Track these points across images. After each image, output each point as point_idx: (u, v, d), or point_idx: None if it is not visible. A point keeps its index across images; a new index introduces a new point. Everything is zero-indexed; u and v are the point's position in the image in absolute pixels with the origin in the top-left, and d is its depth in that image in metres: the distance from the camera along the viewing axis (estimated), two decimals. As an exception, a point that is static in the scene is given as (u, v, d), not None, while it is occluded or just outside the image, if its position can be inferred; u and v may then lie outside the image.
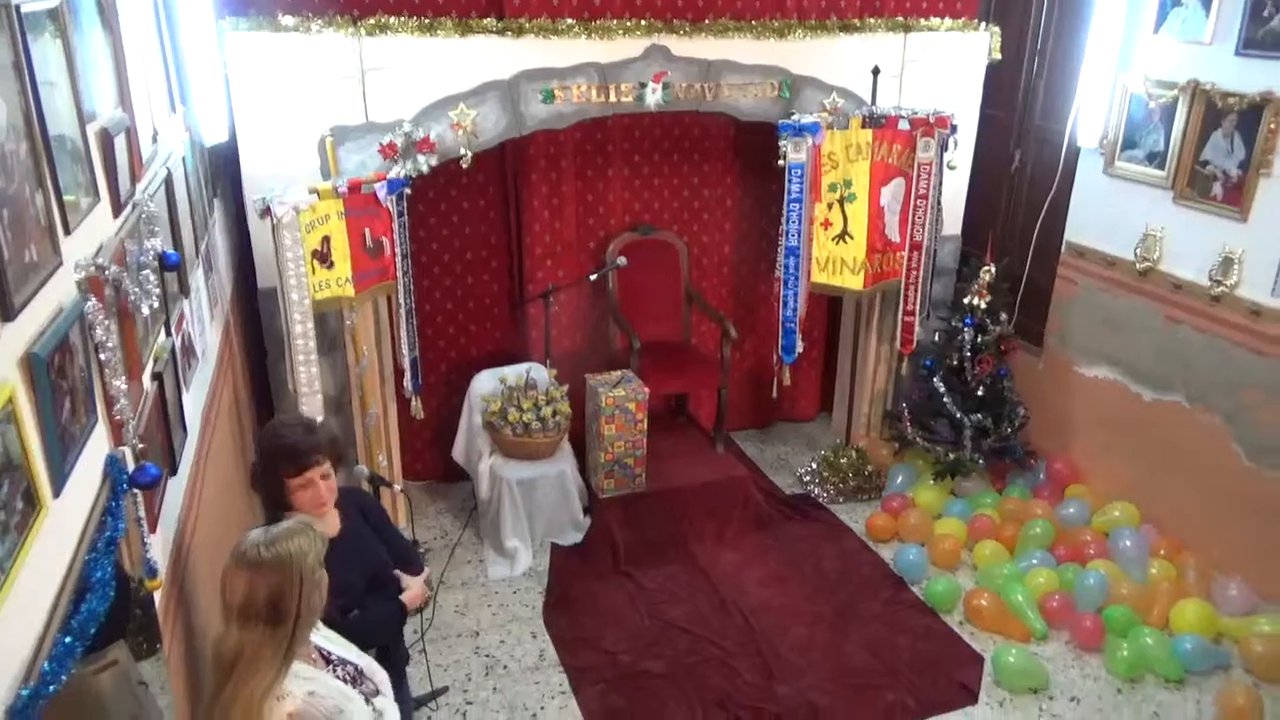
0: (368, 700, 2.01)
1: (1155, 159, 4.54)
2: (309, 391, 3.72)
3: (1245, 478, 4.20)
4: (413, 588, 2.72)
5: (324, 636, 2.11)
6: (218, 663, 1.85)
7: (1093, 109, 4.77)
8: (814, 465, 5.32)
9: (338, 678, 1.98)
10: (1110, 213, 4.79)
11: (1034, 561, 4.39)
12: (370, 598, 2.61)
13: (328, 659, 2.04)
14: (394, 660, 2.78)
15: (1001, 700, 3.75)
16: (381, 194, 3.91)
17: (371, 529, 2.72)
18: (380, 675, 2.18)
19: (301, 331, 3.67)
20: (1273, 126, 3.98)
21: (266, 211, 3.56)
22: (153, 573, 2.02)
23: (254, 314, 4.22)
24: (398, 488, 3.65)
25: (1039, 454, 5.17)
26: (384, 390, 4.30)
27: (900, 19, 4.84)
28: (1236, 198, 4.17)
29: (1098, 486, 4.93)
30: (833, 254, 4.76)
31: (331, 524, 2.56)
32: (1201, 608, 4.05)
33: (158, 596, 2.08)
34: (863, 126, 4.59)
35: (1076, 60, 4.86)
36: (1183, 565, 4.34)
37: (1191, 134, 4.34)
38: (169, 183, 2.77)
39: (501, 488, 4.49)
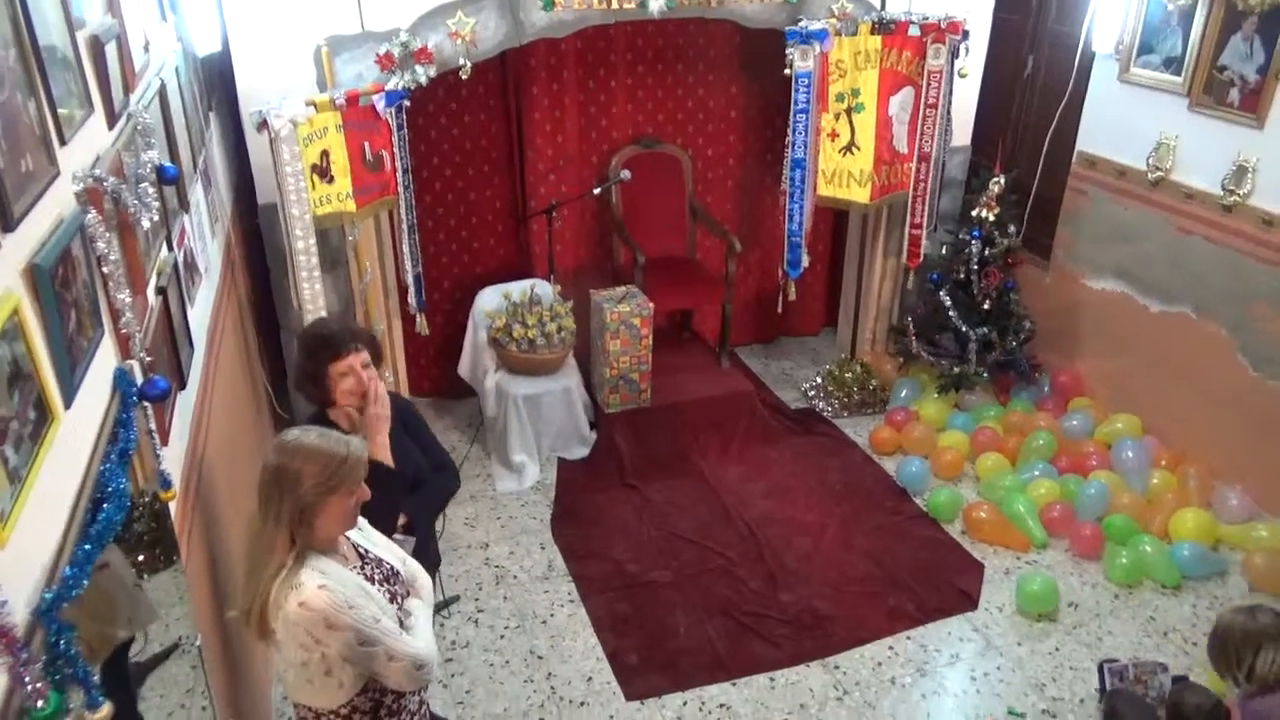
0: (394, 599, 2.06)
1: (1172, 64, 4.42)
2: (313, 308, 3.70)
3: (1250, 388, 4.21)
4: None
5: (364, 536, 2.15)
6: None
7: (1109, 12, 4.63)
8: (819, 380, 5.34)
9: (365, 575, 2.02)
10: (1124, 120, 4.69)
11: (1036, 473, 4.44)
12: (410, 499, 2.68)
13: (363, 557, 2.08)
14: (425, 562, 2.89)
15: (1001, 605, 3.84)
16: (380, 106, 3.83)
17: (411, 438, 2.76)
18: (421, 580, 2.23)
19: (304, 248, 3.64)
20: (1295, 28, 3.87)
21: (263, 125, 3.49)
22: (167, 484, 2.04)
23: (255, 230, 4.18)
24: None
25: (1044, 367, 5.18)
26: (388, 306, 4.29)
27: (913, -82, 4.66)
28: (1254, 104, 4.08)
29: (1102, 398, 4.95)
30: (839, 166, 4.67)
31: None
32: (1200, 516, 4.10)
33: (173, 508, 2.11)
34: (872, 33, 4.46)
35: (1094, -40, 4.70)
36: (1184, 475, 4.38)
37: (1210, 37, 4.21)
38: (163, 94, 2.72)
39: (508, 403, 4.52)
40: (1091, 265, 4.98)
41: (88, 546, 1.49)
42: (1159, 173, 4.53)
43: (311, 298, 3.73)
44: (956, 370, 4.94)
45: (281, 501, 1.86)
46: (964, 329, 4.86)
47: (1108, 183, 4.83)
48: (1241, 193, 4.16)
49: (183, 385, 2.49)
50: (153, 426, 2.00)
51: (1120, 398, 4.85)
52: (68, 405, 1.59)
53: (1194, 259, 4.42)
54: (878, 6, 4.60)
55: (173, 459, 2.24)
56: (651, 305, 4.60)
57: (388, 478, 2.49)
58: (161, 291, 2.35)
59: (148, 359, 2.02)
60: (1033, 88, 5.26)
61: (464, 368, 4.83)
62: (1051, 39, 5.10)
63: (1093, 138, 4.89)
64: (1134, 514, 4.15)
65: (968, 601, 3.85)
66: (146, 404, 1.94)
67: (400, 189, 4.01)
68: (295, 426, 1.99)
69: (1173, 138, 4.46)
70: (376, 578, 2.05)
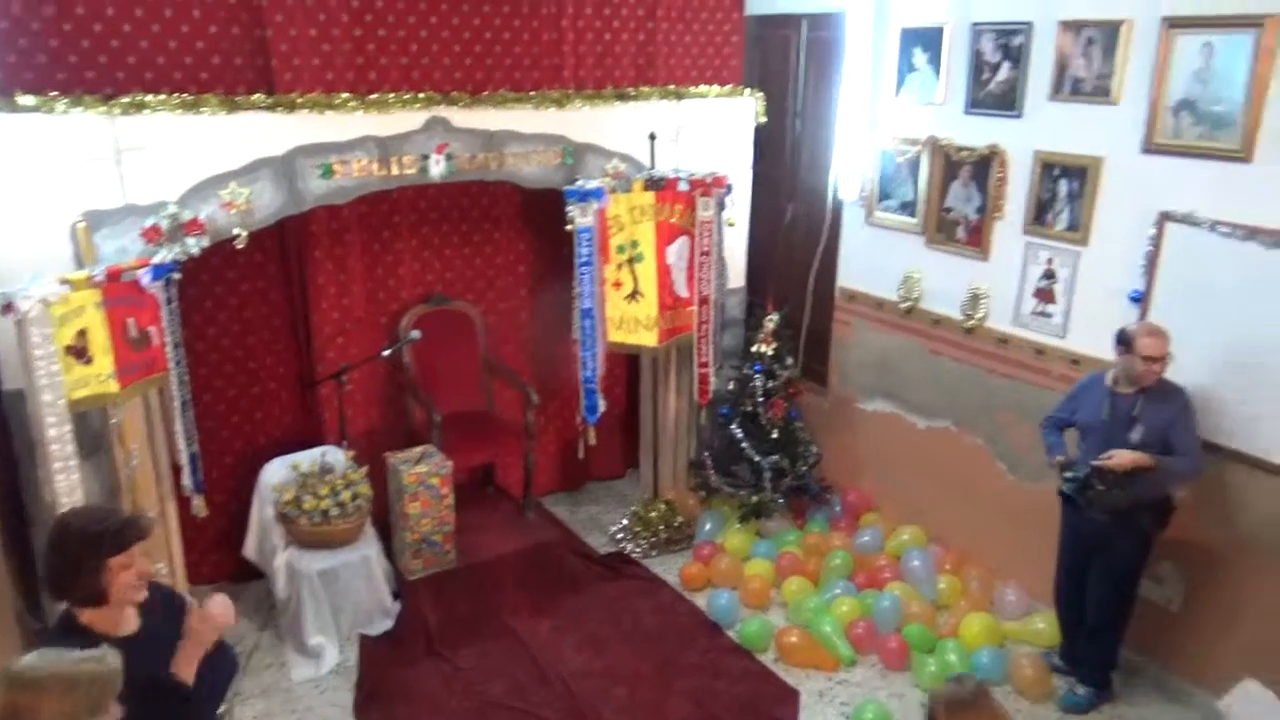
0: None
1: (907, 208, 4.99)
2: (69, 500, 3.38)
3: (1009, 491, 4.62)
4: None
5: None
6: None
7: (850, 165, 5.20)
8: (625, 521, 5.36)
9: None
10: (874, 258, 5.20)
11: (837, 592, 4.60)
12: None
13: None
14: None
15: (818, 732, 3.89)
16: (145, 281, 3.66)
17: (175, 627, 2.50)
18: None
19: (57, 435, 3.35)
20: (1000, 175, 4.48)
21: (9, 307, 3.25)
22: None
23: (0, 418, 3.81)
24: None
25: (834, 488, 5.46)
26: (161, 490, 3.97)
27: (672, 87, 5.10)
28: (977, 240, 4.64)
29: (888, 512, 5.26)
30: (626, 313, 4.87)
31: (128, 621, 2.38)
32: (985, 619, 4.36)
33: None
34: (645, 189, 4.75)
35: (832, 121, 5.28)
36: (967, 577, 4.69)
37: (935, 184, 4.81)
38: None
39: (300, 581, 4.23)
40: (862, 389, 5.38)
41: None
42: (909, 302, 5.01)
43: (68, 489, 3.41)
44: (755, 499, 5.12)
45: None
46: (757, 459, 5.08)
47: (868, 313, 5.29)
48: (978, 316, 4.67)
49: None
50: None
51: (904, 510, 5.17)
52: None
53: (947, 377, 4.88)
54: (648, 165, 4.93)
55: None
56: (450, 463, 4.52)
57: (176, 696, 2.30)
58: None
59: None
60: (794, 232, 5.76)
61: (250, 548, 4.51)
62: (805, 189, 5.64)
63: (850, 274, 5.39)
64: (926, 621, 4.36)
65: (786, 731, 3.87)
66: None
67: (171, 364, 3.81)
68: (30, 654, 1.78)
69: (917, 271, 4.98)
70: None
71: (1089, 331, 4.17)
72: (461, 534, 4.62)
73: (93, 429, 3.72)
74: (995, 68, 4.44)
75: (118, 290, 3.58)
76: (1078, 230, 4.20)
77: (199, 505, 4.05)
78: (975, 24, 4.47)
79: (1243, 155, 3.56)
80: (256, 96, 4.02)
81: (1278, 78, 3.43)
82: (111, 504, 3.78)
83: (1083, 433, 3.84)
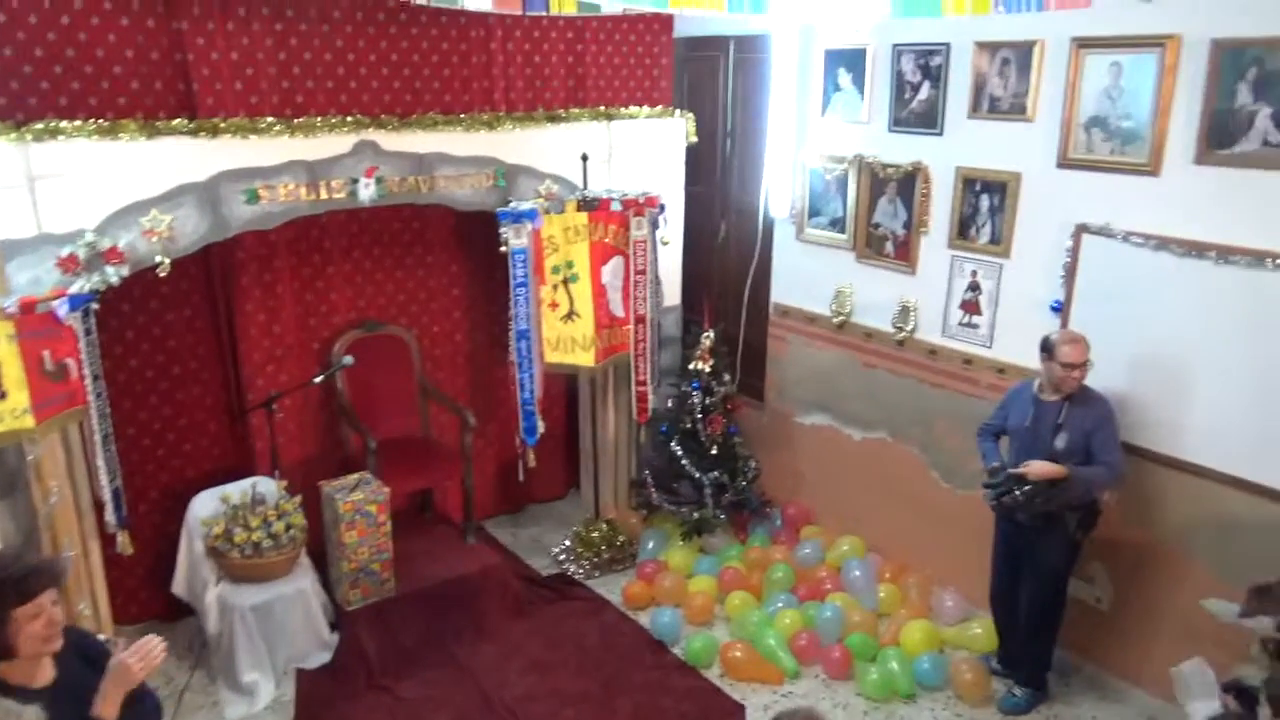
0: None
1: (837, 224, 5.08)
2: (-17, 543, 3.25)
3: (944, 499, 4.71)
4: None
5: None
6: None
7: (780, 183, 5.29)
8: (567, 543, 5.33)
9: None
10: (806, 274, 5.29)
11: (779, 605, 4.64)
12: None
13: None
14: None
15: (765, 746, 3.90)
16: (62, 312, 3.53)
17: (95, 673, 2.41)
18: None
19: (-31, 475, 3.21)
20: (924, 191, 4.60)
21: (-86, 343, 3.12)
22: None
23: (-92, 460, 3.64)
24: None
25: (774, 501, 5.51)
26: (83, 528, 3.82)
27: (602, 108, 5.13)
28: (905, 254, 4.75)
29: (828, 524, 5.33)
30: (562, 333, 4.86)
31: (43, 671, 2.30)
32: (925, 626, 4.43)
33: None
34: (578, 210, 4.76)
35: (762, 140, 5.37)
36: (906, 585, 4.76)
37: (862, 201, 4.91)
38: None
39: (233, 617, 4.11)
40: (799, 403, 5.45)
41: None
42: (841, 316, 5.10)
43: (-19, 531, 3.27)
44: (696, 515, 5.14)
45: None
46: (697, 475, 5.11)
47: (801, 328, 5.37)
48: (908, 329, 4.77)
49: None
50: None
51: (844, 521, 5.24)
52: None
53: (881, 389, 4.97)
54: (581, 185, 4.94)
55: None
56: (387, 490, 4.44)
57: None
58: None
59: None
60: (727, 250, 5.83)
61: (179, 584, 4.36)
62: (737, 208, 5.72)
63: (783, 290, 5.46)
64: (868, 630, 4.42)
65: (733, 747, 3.87)
66: None
67: (91, 398, 3.68)
68: None
69: (848, 286, 5.07)
70: None
71: (1013, 341, 4.29)
72: (401, 562, 4.53)
73: (8, 466, 3.58)
74: (916, 87, 4.57)
75: (32, 323, 3.45)
76: (999, 243, 4.32)
77: (124, 542, 3.91)
78: (896, 45, 4.59)
79: (1151, 169, 3.72)
80: (178, 121, 3.93)
81: (1181, 95, 3.60)
82: (29, 544, 3.64)
83: (1011, 439, 3.94)
